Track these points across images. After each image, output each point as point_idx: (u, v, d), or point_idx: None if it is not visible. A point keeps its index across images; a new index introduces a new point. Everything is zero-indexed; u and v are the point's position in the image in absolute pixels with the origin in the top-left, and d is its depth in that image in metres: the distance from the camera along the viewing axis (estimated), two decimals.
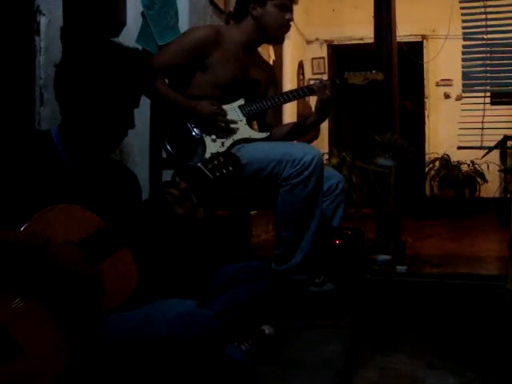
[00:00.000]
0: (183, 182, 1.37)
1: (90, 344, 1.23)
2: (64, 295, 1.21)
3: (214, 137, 2.30)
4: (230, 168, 1.42)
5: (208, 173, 1.39)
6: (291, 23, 2.43)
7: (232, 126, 2.32)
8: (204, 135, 2.29)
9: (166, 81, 2.39)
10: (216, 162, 1.41)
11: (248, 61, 2.42)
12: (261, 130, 2.50)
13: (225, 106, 2.33)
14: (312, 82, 2.52)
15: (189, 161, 2.23)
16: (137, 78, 1.39)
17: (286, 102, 2.42)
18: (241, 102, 2.37)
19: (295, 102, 5.59)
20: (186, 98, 2.30)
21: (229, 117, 2.32)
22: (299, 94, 2.40)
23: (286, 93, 2.43)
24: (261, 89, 2.48)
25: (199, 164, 1.41)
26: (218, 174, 1.40)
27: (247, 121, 2.36)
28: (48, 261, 1.20)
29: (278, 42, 2.53)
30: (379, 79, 2.46)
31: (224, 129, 2.30)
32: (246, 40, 2.40)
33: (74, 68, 1.37)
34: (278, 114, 4.98)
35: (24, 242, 1.20)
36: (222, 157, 1.43)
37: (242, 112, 2.36)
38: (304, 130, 2.53)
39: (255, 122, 2.57)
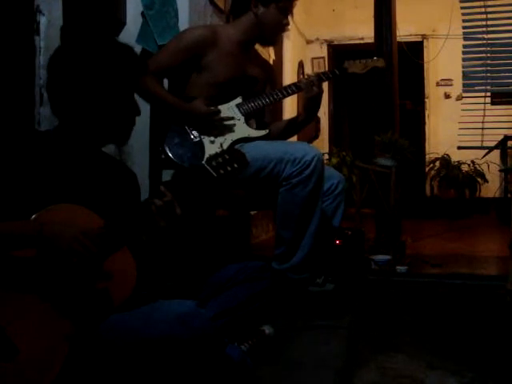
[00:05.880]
0: (169, 193, 1.33)
1: (90, 344, 1.23)
2: (68, 281, 1.20)
3: (212, 138, 2.28)
4: (235, 165, 1.38)
5: (212, 171, 1.36)
6: (288, 28, 2.43)
7: (229, 125, 2.31)
8: (202, 137, 2.28)
9: (166, 81, 2.38)
10: (221, 159, 1.38)
11: (245, 58, 2.41)
12: (259, 128, 2.49)
13: (222, 106, 2.31)
14: (301, 78, 2.48)
15: (188, 165, 2.21)
16: (125, 75, 1.38)
17: (275, 101, 2.37)
18: (238, 100, 2.35)
19: (295, 99, 5.60)
20: (180, 100, 2.29)
21: (226, 116, 2.31)
22: (287, 92, 2.36)
23: (273, 92, 2.38)
24: (259, 86, 2.47)
25: (203, 162, 1.38)
26: (222, 172, 1.37)
27: (245, 119, 2.34)
28: (46, 241, 1.19)
29: (271, 42, 2.51)
30: (380, 66, 2.41)
31: (220, 127, 2.29)
32: (244, 37, 2.39)
33: (63, 67, 1.37)
34: (278, 111, 4.99)
35: (17, 232, 1.20)
36: (228, 154, 1.39)
37: (239, 111, 2.34)
38: (296, 128, 2.52)
39: (254, 121, 2.56)
